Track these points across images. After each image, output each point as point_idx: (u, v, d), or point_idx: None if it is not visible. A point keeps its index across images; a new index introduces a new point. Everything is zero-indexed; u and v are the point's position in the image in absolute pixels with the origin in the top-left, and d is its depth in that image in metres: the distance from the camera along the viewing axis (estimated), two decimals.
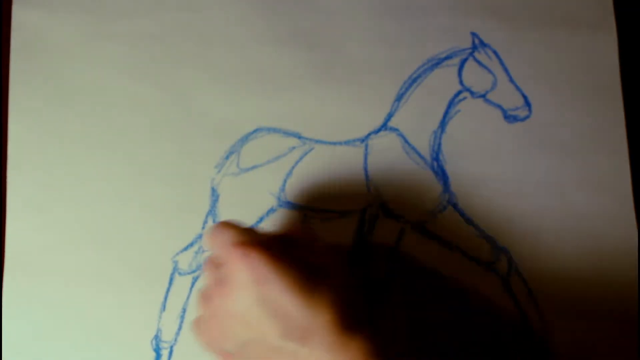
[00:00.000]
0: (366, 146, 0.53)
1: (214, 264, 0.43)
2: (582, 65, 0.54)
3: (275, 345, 0.39)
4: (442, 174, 0.52)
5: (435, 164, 0.52)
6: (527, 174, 0.52)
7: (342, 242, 0.51)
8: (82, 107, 0.52)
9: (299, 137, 0.53)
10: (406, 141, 0.53)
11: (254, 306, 0.39)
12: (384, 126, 0.53)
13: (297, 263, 0.40)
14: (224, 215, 0.51)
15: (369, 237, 0.51)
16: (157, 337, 0.50)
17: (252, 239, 0.41)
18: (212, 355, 0.42)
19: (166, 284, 0.50)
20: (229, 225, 0.42)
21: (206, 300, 0.42)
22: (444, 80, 0.53)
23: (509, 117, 0.53)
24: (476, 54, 0.54)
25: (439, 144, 0.53)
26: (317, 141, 0.53)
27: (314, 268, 0.40)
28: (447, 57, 0.54)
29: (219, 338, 0.41)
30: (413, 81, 0.53)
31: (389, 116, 0.53)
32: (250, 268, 0.39)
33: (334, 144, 0.53)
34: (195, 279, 0.51)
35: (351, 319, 0.39)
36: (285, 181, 0.52)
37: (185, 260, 0.51)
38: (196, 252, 0.51)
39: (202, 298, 0.42)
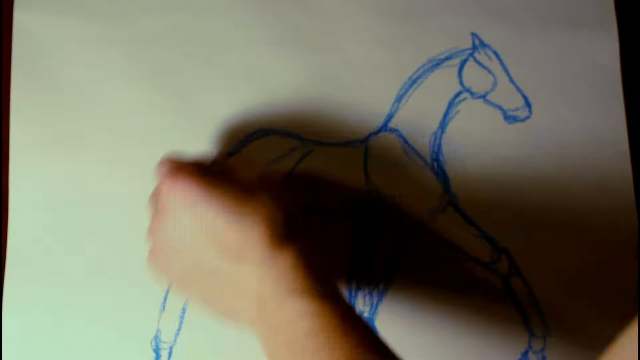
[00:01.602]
0: (366, 147, 0.53)
1: (155, 197, 0.44)
2: (583, 66, 0.54)
3: (212, 267, 0.40)
4: (442, 175, 0.52)
5: (435, 164, 0.52)
6: (527, 174, 0.52)
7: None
8: (83, 109, 0.53)
9: (299, 138, 0.53)
10: (406, 142, 0.53)
11: (188, 231, 0.40)
12: (384, 127, 0.53)
13: (226, 185, 0.40)
14: None
15: (369, 237, 0.51)
16: (156, 338, 0.50)
17: (182, 168, 0.41)
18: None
19: (166, 285, 0.50)
20: (165, 159, 0.44)
21: (150, 232, 0.43)
22: (444, 81, 0.53)
23: (509, 118, 0.53)
24: (476, 55, 0.54)
25: (439, 145, 0.53)
26: (318, 142, 0.53)
27: (244, 188, 0.41)
28: (447, 58, 0.54)
29: (165, 267, 0.43)
30: (413, 82, 0.53)
31: (389, 117, 0.53)
32: (179, 195, 0.40)
33: (334, 144, 0.53)
34: None
35: (281, 234, 0.40)
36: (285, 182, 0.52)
37: None
38: None
39: (148, 231, 0.44)
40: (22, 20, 0.53)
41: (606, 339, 0.50)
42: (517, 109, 0.53)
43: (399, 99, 0.53)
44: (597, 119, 0.53)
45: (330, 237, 0.51)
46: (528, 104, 0.53)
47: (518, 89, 0.53)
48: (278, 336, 0.38)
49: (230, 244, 0.39)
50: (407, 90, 0.53)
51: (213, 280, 0.40)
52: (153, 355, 0.50)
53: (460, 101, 0.53)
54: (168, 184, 0.40)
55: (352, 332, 0.37)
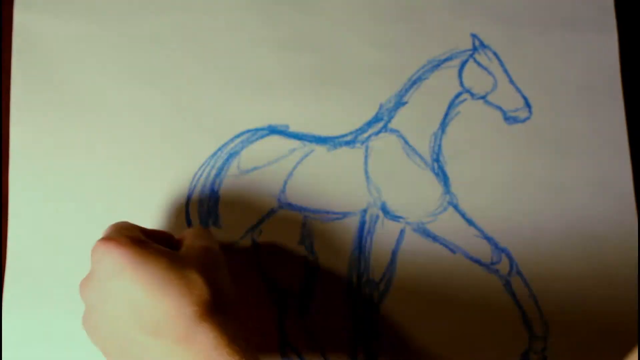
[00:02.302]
0: (366, 148, 0.53)
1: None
2: (583, 66, 0.54)
3: (132, 338, 0.39)
4: (442, 175, 0.52)
5: (435, 165, 0.52)
6: (527, 174, 0.52)
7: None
8: (82, 109, 0.52)
9: (300, 138, 0.53)
10: (406, 142, 0.53)
11: (112, 299, 0.39)
12: (384, 128, 0.53)
13: (159, 256, 0.40)
14: (224, 216, 0.51)
15: (369, 238, 0.51)
16: None
17: (121, 232, 0.41)
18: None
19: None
20: (114, 223, 0.43)
21: (81, 292, 0.42)
22: (444, 82, 0.54)
23: (509, 119, 0.53)
24: (476, 56, 0.54)
25: (439, 145, 0.53)
26: (318, 143, 0.53)
27: (175, 261, 0.40)
28: (448, 59, 0.54)
29: (89, 329, 0.42)
30: (413, 82, 0.53)
31: (389, 118, 0.53)
32: (108, 260, 0.39)
33: (335, 145, 0.53)
34: None
35: (202, 311, 0.38)
36: (285, 183, 0.52)
37: None
38: None
39: (80, 291, 0.43)
40: (22, 20, 0.53)
41: (606, 339, 0.50)
42: (517, 110, 0.53)
43: (399, 99, 0.53)
44: (597, 120, 0.53)
45: (332, 238, 0.51)
46: (528, 105, 0.53)
47: (518, 89, 0.53)
48: None
49: (149, 318, 0.38)
50: (407, 91, 0.53)
51: (130, 350, 0.39)
52: None
53: (461, 102, 0.53)
54: (100, 247, 0.39)
55: None
